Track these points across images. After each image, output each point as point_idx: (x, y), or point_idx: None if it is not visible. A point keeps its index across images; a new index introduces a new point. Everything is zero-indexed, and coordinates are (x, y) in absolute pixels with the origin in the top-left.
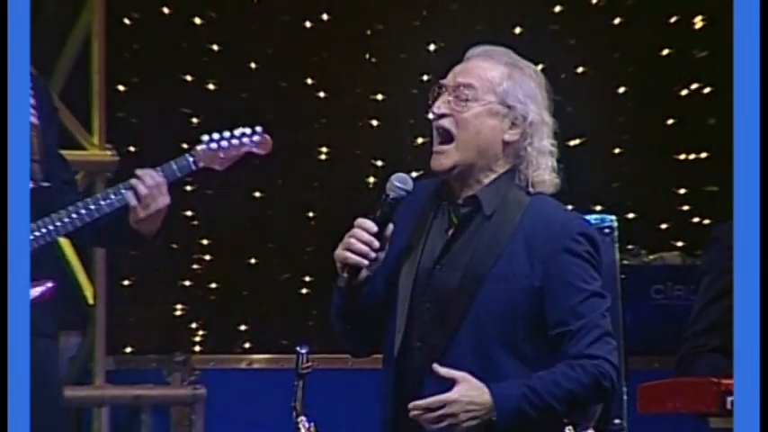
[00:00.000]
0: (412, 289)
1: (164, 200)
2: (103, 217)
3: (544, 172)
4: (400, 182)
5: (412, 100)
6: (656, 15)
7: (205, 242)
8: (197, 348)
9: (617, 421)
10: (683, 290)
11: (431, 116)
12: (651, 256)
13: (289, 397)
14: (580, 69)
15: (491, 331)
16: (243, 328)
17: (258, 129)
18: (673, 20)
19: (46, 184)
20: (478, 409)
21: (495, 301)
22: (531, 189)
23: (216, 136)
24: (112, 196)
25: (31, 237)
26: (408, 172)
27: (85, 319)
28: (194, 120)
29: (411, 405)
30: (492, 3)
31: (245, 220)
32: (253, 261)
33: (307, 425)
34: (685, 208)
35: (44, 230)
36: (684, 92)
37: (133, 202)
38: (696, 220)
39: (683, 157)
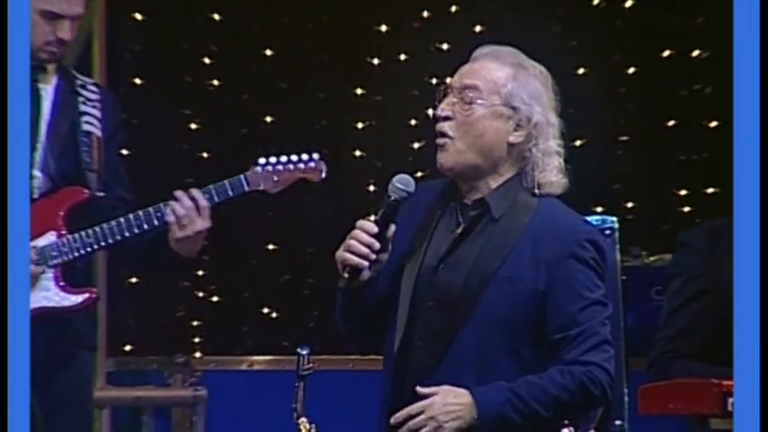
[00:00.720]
0: (414, 287)
1: (203, 223)
2: (145, 237)
3: (551, 173)
4: (402, 183)
5: (412, 101)
6: (657, 16)
7: (206, 242)
8: (198, 350)
9: (618, 423)
10: None
11: (435, 117)
12: (652, 258)
13: (290, 398)
14: (581, 70)
15: (492, 333)
16: (244, 329)
17: (315, 156)
18: (673, 20)
19: (101, 194)
20: (459, 408)
21: (499, 303)
22: (537, 191)
23: (273, 159)
24: (151, 212)
25: (70, 244)
26: (412, 173)
27: None
28: (194, 120)
29: (392, 419)
30: (493, 4)
31: (245, 221)
32: (254, 262)
33: (308, 426)
34: (686, 209)
35: (84, 241)
36: (685, 92)
37: (171, 218)
38: (697, 221)
39: (683, 158)
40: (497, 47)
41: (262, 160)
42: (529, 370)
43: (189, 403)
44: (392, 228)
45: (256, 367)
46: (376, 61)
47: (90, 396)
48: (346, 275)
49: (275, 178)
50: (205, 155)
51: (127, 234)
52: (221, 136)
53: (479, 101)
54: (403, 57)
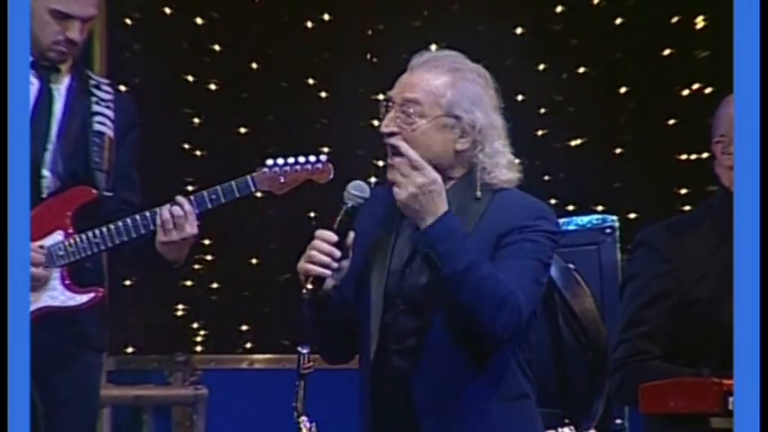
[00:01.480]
0: (384, 293)
1: (190, 230)
2: (139, 240)
3: (500, 173)
4: (356, 189)
5: None
6: (657, 15)
7: (206, 242)
8: (198, 348)
9: (618, 421)
10: None
11: (381, 133)
12: None
13: (290, 397)
14: (581, 69)
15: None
16: (244, 328)
17: (322, 157)
18: (674, 20)
19: (109, 194)
20: (423, 183)
21: None
22: (485, 190)
23: (280, 161)
24: (138, 218)
25: (77, 245)
26: None
27: None
28: (194, 120)
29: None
30: (493, 3)
31: (245, 220)
32: (254, 261)
33: (308, 425)
34: (686, 208)
35: (92, 241)
36: (686, 92)
37: (157, 222)
38: None
39: (684, 157)
40: (434, 53)
41: (269, 161)
42: (507, 350)
43: (189, 402)
44: (351, 235)
45: (257, 366)
46: (375, 61)
47: (95, 397)
48: (310, 286)
49: (282, 179)
50: (205, 155)
51: (134, 235)
52: (221, 136)
53: (422, 115)
54: (403, 56)
